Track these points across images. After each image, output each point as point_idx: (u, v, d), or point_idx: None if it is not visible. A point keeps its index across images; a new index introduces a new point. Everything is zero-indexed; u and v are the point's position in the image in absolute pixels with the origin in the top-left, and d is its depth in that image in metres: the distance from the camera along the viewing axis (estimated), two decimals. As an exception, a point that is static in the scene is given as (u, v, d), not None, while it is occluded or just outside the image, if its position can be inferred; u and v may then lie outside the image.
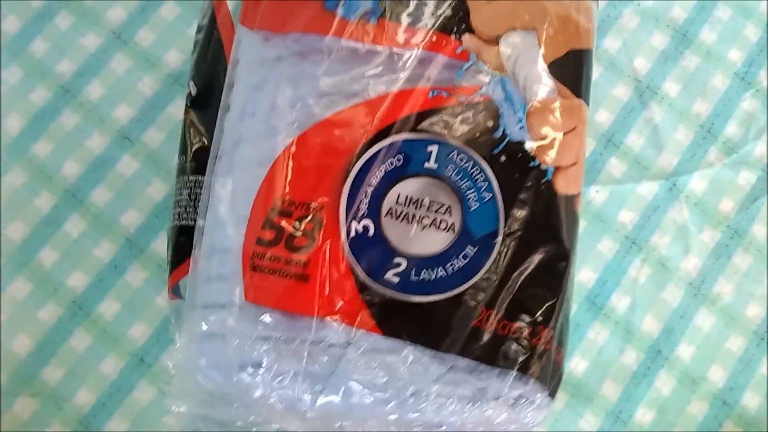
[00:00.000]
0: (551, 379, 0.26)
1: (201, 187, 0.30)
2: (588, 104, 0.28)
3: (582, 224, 0.38)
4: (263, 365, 0.23)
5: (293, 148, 0.25)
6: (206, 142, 0.31)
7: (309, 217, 0.24)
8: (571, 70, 0.26)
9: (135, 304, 0.35)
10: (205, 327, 0.25)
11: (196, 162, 0.32)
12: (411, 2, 0.25)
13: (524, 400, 0.25)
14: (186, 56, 0.38)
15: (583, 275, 0.38)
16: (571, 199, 0.26)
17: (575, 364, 0.36)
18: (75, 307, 0.35)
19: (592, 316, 0.37)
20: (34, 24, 0.38)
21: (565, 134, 0.26)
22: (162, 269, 0.35)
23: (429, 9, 0.25)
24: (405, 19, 0.25)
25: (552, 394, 0.26)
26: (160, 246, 0.36)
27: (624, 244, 0.38)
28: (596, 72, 0.39)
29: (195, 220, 0.29)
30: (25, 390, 0.34)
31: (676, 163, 0.39)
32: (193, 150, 0.32)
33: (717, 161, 0.39)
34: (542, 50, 0.26)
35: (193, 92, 0.33)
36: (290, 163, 0.24)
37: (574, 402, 0.36)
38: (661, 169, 0.39)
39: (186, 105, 0.33)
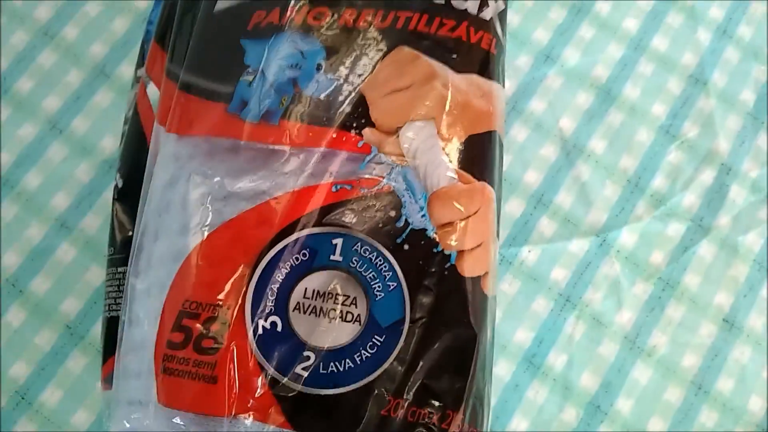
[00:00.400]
0: (466, 460, 0.26)
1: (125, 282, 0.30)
2: (493, 183, 0.28)
3: (516, 284, 0.39)
4: (179, 464, 0.24)
5: (202, 249, 0.25)
6: (132, 233, 0.32)
7: (215, 318, 0.25)
8: (472, 155, 0.27)
9: (76, 390, 0.36)
10: (127, 425, 0.26)
11: (124, 253, 0.32)
12: (311, 102, 0.26)
13: (437, 484, 0.25)
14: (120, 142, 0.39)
15: (519, 335, 0.38)
16: (478, 280, 0.27)
17: (516, 424, 0.37)
18: (18, 396, 0.36)
19: (531, 375, 0.38)
20: (-30, 119, 0.39)
21: (467, 218, 0.27)
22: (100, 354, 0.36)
23: (329, 107, 0.26)
24: (305, 119, 0.26)
25: (470, 473, 0.27)
26: (99, 331, 0.36)
27: (558, 302, 0.39)
28: (523, 134, 0.41)
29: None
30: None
31: (606, 218, 0.40)
32: (119, 242, 0.33)
33: (646, 214, 0.41)
34: (441, 138, 0.27)
35: (120, 184, 0.33)
36: (198, 263, 0.25)
37: (516, 463, 0.36)
38: (591, 225, 0.40)
39: (113, 197, 0.34)
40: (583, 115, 0.42)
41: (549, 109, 0.42)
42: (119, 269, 0.32)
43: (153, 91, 0.34)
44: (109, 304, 0.32)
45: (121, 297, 0.31)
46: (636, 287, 0.39)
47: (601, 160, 0.41)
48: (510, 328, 0.38)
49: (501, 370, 0.38)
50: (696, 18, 0.43)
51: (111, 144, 0.40)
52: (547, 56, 0.43)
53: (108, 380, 0.31)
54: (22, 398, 0.36)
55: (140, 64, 0.35)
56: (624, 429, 0.37)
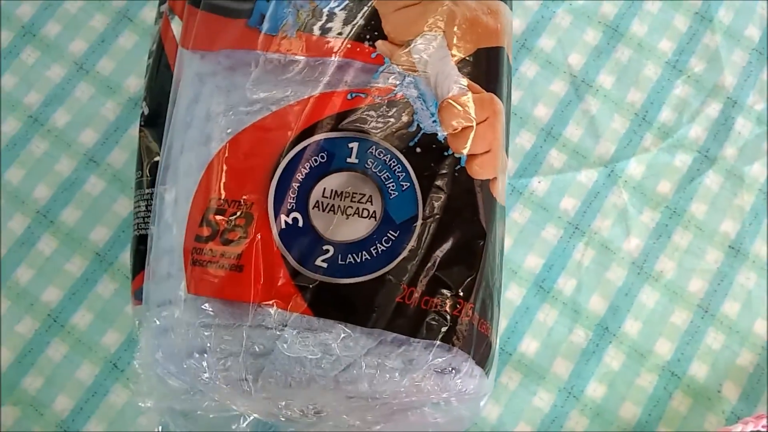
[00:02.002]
0: (477, 348, 0.28)
1: (154, 199, 0.32)
2: (502, 96, 0.30)
3: (526, 213, 0.40)
4: (207, 350, 0.26)
5: (225, 152, 0.27)
6: (158, 159, 0.34)
7: (240, 213, 0.26)
8: (481, 67, 0.29)
9: (106, 313, 0.38)
10: (157, 323, 0.28)
11: (151, 176, 0.34)
12: (326, 15, 0.27)
13: (450, 367, 0.27)
14: (143, 81, 0.41)
15: (530, 261, 0.40)
16: (487, 183, 0.28)
17: (526, 346, 0.38)
18: (50, 319, 0.38)
19: (541, 299, 0.39)
20: (2, 60, 0.41)
21: (477, 125, 0.28)
22: (129, 280, 0.38)
23: (344, 20, 0.28)
24: (321, 31, 0.27)
25: (481, 363, 0.28)
26: (128, 258, 0.38)
27: (567, 230, 0.40)
28: (533, 70, 0.42)
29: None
30: (8, 399, 0.36)
31: (614, 150, 0.41)
32: (147, 165, 0.34)
33: (653, 146, 0.42)
34: (452, 50, 0.28)
35: (146, 112, 0.35)
36: (223, 166, 0.27)
37: (527, 381, 0.38)
38: (599, 156, 0.41)
39: (140, 124, 0.35)
40: (592, 52, 0.43)
41: (558, 46, 0.43)
42: (146, 190, 0.34)
43: (175, 26, 0.36)
44: (138, 224, 0.34)
45: (149, 215, 0.33)
46: (643, 215, 0.41)
47: (610, 94, 0.42)
48: (520, 254, 0.40)
49: (512, 294, 0.39)
50: (702, -44, 0.44)
51: (135, 83, 0.41)
52: (555, -5, 0.44)
53: (138, 295, 0.33)
54: (54, 321, 0.38)
55: (163, 0, 0.37)
56: (632, 349, 0.39)
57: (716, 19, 0.44)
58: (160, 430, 0.31)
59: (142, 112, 0.35)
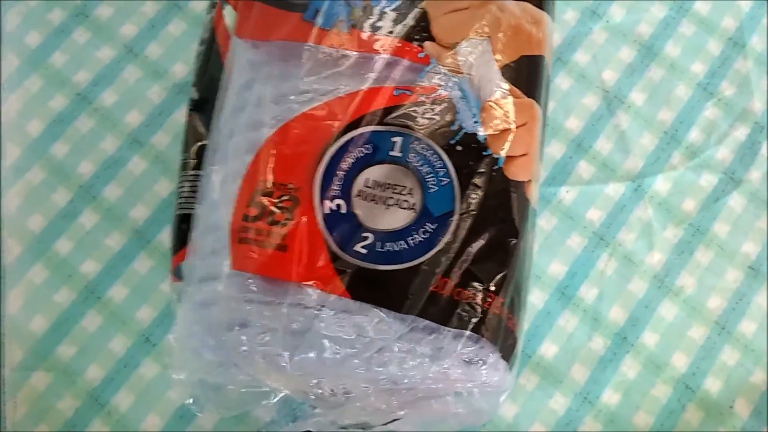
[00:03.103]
0: (503, 342, 0.29)
1: (200, 180, 0.34)
2: (540, 104, 0.31)
3: (552, 221, 0.41)
4: (248, 324, 0.27)
5: (276, 138, 0.28)
6: (205, 141, 0.35)
7: (288, 197, 0.28)
8: (523, 74, 0.30)
9: (142, 289, 0.39)
10: (199, 296, 0.29)
11: (197, 158, 0.35)
12: (378, 14, 0.29)
13: (477, 358, 0.28)
14: (190, 68, 0.42)
15: (553, 268, 0.41)
16: (522, 185, 0.29)
17: (546, 349, 0.39)
18: (87, 291, 0.39)
19: (562, 305, 0.40)
20: (54, 38, 0.42)
21: (516, 128, 0.29)
22: (166, 258, 0.39)
23: (394, 19, 0.29)
24: (373, 29, 0.29)
25: (506, 357, 0.29)
26: (165, 238, 0.40)
27: (592, 240, 0.41)
28: (567, 83, 0.43)
29: (194, 209, 0.33)
30: (41, 365, 0.38)
31: (642, 166, 0.42)
32: (194, 147, 0.36)
33: (680, 164, 0.43)
34: (496, 56, 0.29)
35: (195, 97, 0.36)
36: (273, 151, 0.28)
37: (545, 383, 0.39)
38: (627, 171, 0.42)
39: (189, 108, 0.37)
40: (625, 69, 0.44)
41: (593, 61, 0.44)
42: (191, 172, 0.35)
43: (227, 15, 0.37)
44: (181, 203, 0.35)
45: (193, 196, 0.34)
46: (667, 231, 0.41)
47: (641, 111, 0.43)
48: (545, 260, 0.41)
49: (535, 298, 0.40)
50: (740, -17, 0.45)
51: (181, 69, 0.43)
52: (593, 12, 0.45)
53: (177, 272, 0.35)
54: (91, 293, 0.39)
55: (217, -10, 0.38)
56: (648, 360, 0.39)
57: (749, 45, 0.44)
58: (190, 402, 0.32)
59: (191, 97, 0.37)
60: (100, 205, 0.40)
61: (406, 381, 0.27)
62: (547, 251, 0.41)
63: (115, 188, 0.41)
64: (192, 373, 0.30)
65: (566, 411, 0.38)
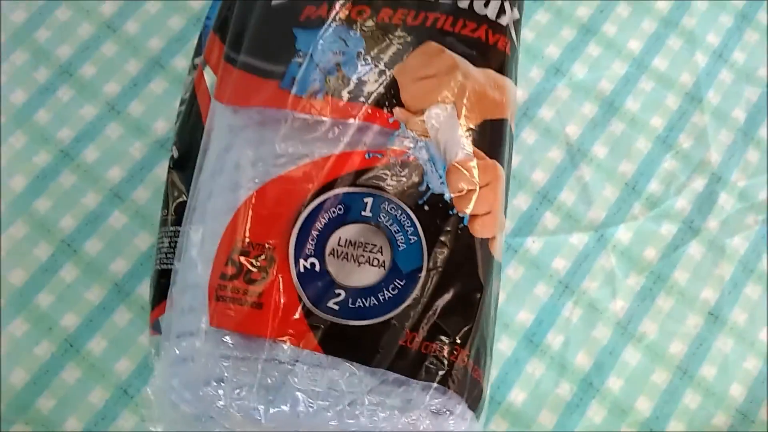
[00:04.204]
0: (470, 393, 0.30)
1: (179, 237, 0.35)
2: (503, 164, 0.33)
3: (519, 270, 0.43)
4: (224, 380, 0.28)
5: (253, 200, 0.30)
6: (185, 198, 0.36)
7: (264, 256, 0.29)
8: (486, 137, 0.32)
9: (120, 341, 0.40)
10: (177, 352, 0.30)
11: (176, 215, 0.37)
12: (351, 82, 0.31)
13: (445, 409, 0.29)
14: (171, 125, 0.44)
15: (521, 316, 0.42)
16: (486, 242, 0.31)
17: (515, 396, 0.41)
18: (67, 344, 0.40)
19: (530, 352, 0.42)
20: (39, 96, 0.44)
21: (480, 188, 0.31)
22: (145, 311, 0.40)
23: (366, 87, 0.31)
24: (346, 96, 0.31)
25: (472, 407, 0.30)
26: (144, 291, 0.41)
27: (558, 289, 0.43)
28: (532, 137, 0.45)
29: (173, 265, 0.34)
30: (20, 418, 0.38)
31: (604, 216, 0.44)
32: (173, 204, 0.37)
33: (641, 215, 0.45)
34: (461, 120, 0.31)
35: (175, 155, 0.38)
36: (250, 212, 0.30)
37: (514, 429, 0.40)
38: (590, 221, 0.44)
39: (169, 166, 0.38)
40: (588, 123, 0.46)
41: (557, 116, 0.46)
42: (171, 228, 0.36)
43: (207, 77, 0.39)
44: (160, 258, 0.37)
45: (172, 251, 0.36)
46: (630, 279, 0.43)
47: (603, 164, 0.45)
48: (513, 309, 0.42)
49: (503, 345, 0.42)
50: (694, 42, 0.48)
51: (163, 126, 0.44)
52: (557, 70, 0.47)
53: (156, 326, 0.36)
54: (71, 345, 0.40)
55: (198, 53, 0.40)
56: (614, 405, 0.41)
57: (705, 99, 0.47)
58: (167, 454, 0.32)
59: (172, 156, 0.38)
60: (80, 259, 0.41)
61: (376, 432, 0.28)
62: (515, 300, 0.42)
63: (96, 242, 0.42)
64: (169, 425, 0.31)
65: (535, 456, 0.39)
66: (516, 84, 0.35)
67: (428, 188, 0.30)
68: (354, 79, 0.31)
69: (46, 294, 0.40)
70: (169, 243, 0.36)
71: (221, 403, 0.28)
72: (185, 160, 0.37)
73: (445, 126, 0.31)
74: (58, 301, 0.40)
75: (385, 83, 0.31)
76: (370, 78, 0.31)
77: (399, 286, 0.29)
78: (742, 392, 0.42)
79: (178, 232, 0.36)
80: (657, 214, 0.44)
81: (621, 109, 0.46)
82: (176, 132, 0.39)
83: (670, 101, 0.47)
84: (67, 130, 0.44)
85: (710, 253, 0.44)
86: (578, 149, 0.45)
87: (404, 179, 0.30)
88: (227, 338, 0.28)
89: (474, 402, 0.30)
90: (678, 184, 0.45)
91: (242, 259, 0.29)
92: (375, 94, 0.31)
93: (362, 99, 0.31)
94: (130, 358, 0.40)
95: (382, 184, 0.30)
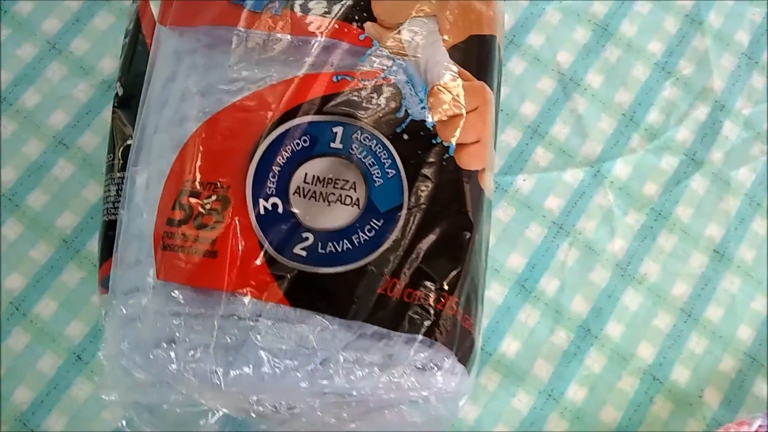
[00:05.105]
0: (460, 345, 0.27)
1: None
2: (492, 87, 0.29)
3: (510, 212, 0.39)
4: (176, 340, 0.24)
5: (202, 133, 0.26)
6: (131, 141, 0.32)
7: (216, 197, 0.25)
8: (473, 55, 0.28)
9: (71, 303, 0.36)
10: (124, 311, 0.26)
11: (123, 159, 0.32)
12: (314, -8, 0.26)
13: (432, 364, 0.26)
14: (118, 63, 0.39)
15: (512, 260, 0.39)
16: (475, 174, 0.27)
17: (507, 346, 0.38)
18: (12, 308, 0.36)
19: (522, 299, 0.38)
20: (-30, 36, 0.39)
21: (467, 113, 0.27)
22: (97, 269, 0.36)
23: (332, -1, 0.26)
24: (308, 9, 0.26)
25: (463, 361, 0.27)
26: (96, 246, 0.37)
27: (551, 230, 0.39)
28: (521, 67, 0.41)
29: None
30: (-38, 391, 0.34)
31: (600, 150, 0.41)
32: (120, 147, 0.33)
33: (640, 147, 0.41)
34: (443, 36, 0.27)
35: (120, 93, 0.34)
36: (199, 147, 0.26)
37: (507, 382, 0.37)
38: (585, 156, 0.41)
39: (114, 105, 0.34)
40: (581, 50, 0.42)
41: (547, 43, 0.42)
42: (118, 174, 0.32)
43: (153, 4, 0.34)
44: (107, 209, 0.33)
45: (120, 200, 0.31)
46: (629, 217, 0.40)
47: (597, 94, 0.42)
48: (503, 253, 0.39)
49: (493, 293, 0.38)
50: (694, -42, 0.44)
51: (109, 65, 0.40)
52: (545, -9, 0.43)
53: (104, 283, 0.32)
54: (17, 309, 0.36)
55: (141, -23, 0.35)
56: (614, 352, 0.38)
57: (707, 22, 0.43)
58: (123, 425, 0.29)
59: (116, 93, 0.34)
60: (23, 214, 0.37)
61: (354, 393, 0.25)
62: (505, 243, 0.39)
63: (40, 195, 0.38)
64: (124, 393, 0.28)
65: (530, 410, 0.36)
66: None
67: (407, 114, 0.26)
68: (317, -12, 0.27)
69: (-14, 254, 0.36)
70: (117, 191, 0.32)
71: (174, 366, 0.24)
72: (131, 97, 0.33)
73: (425, 43, 0.27)
74: (1, 262, 0.36)
75: (354, -6, 0.27)
76: (337, -12, 0.27)
77: (376, 227, 0.25)
78: (750, 334, 0.39)
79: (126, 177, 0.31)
80: (657, 146, 0.41)
81: (616, 34, 0.43)
82: (120, 67, 0.35)
83: (669, 24, 0.43)
84: (4, 73, 0.40)
85: (714, 187, 0.41)
86: (571, 78, 0.42)
87: (379, 105, 0.26)
88: (177, 293, 0.24)
89: (465, 355, 0.27)
90: (679, 113, 0.42)
91: (191, 201, 0.25)
92: (343, 8, 0.26)
93: (327, 12, 0.26)
94: (82, 321, 0.36)
95: (353, 110, 0.26)
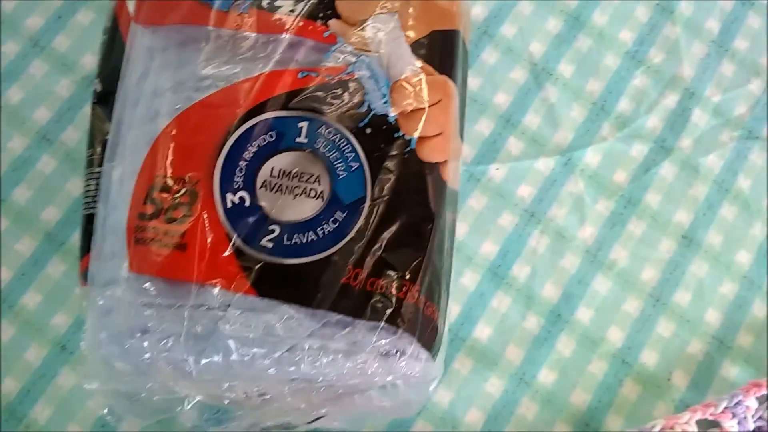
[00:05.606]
0: (422, 331, 0.28)
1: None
2: (456, 81, 0.30)
3: (482, 200, 0.40)
4: (149, 330, 0.25)
5: (172, 129, 0.27)
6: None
7: (185, 191, 0.26)
8: (436, 50, 0.29)
9: (56, 295, 0.37)
10: (101, 302, 0.27)
11: (103, 154, 0.33)
12: (278, -9, 0.27)
13: (395, 350, 0.27)
14: (98, 58, 0.40)
15: (485, 248, 0.40)
16: (437, 166, 0.28)
17: (480, 331, 0.39)
18: (-2, 300, 0.37)
19: (495, 285, 0.39)
20: (-48, 34, 0.40)
21: (429, 107, 0.28)
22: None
23: (296, -2, 0.27)
24: (274, 7, 0.27)
25: (427, 346, 0.28)
26: (78, 240, 0.38)
27: (523, 217, 0.40)
28: (493, 57, 0.42)
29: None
30: (-50, 381, 0.36)
31: (571, 138, 0.42)
32: (99, 143, 0.34)
33: (610, 135, 0.42)
34: (406, 32, 0.28)
35: (99, 89, 0.35)
36: (169, 143, 0.27)
37: (480, 366, 0.38)
38: (557, 145, 0.41)
39: (92, 101, 0.35)
40: (552, 40, 0.43)
41: (519, 33, 0.43)
42: (97, 168, 0.33)
43: (131, 3, 0.35)
44: (88, 203, 0.33)
45: (99, 194, 0.32)
46: (599, 204, 0.41)
47: (569, 83, 0.42)
48: (476, 241, 0.40)
49: (467, 280, 0.39)
50: (664, -52, 0.44)
51: (91, 61, 0.41)
52: (518, -17, 0.44)
53: (85, 275, 0.33)
54: (3, 301, 0.37)
55: (118, -25, 0.36)
56: (583, 336, 0.39)
57: (677, 10, 0.44)
58: (105, 412, 0.30)
59: (95, 89, 0.35)
60: (9, 209, 0.38)
61: (321, 379, 0.26)
62: (478, 231, 0.40)
63: (24, 190, 0.38)
64: (105, 382, 0.29)
65: (502, 393, 0.37)
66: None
67: (370, 109, 0.27)
68: (281, -12, 0.27)
69: (-28, 248, 0.37)
70: (96, 185, 0.33)
71: (148, 355, 0.25)
72: (110, 93, 0.34)
73: (388, 38, 0.28)
74: (-14, 255, 0.37)
75: (317, -8, 0.27)
76: (301, -13, 0.27)
77: (340, 219, 0.26)
78: (718, 318, 0.40)
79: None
80: (627, 134, 0.42)
81: (587, 24, 0.43)
82: (99, 64, 0.35)
83: (640, 13, 0.44)
84: (-14, 70, 0.40)
85: (683, 174, 0.41)
86: (543, 68, 0.42)
87: (343, 100, 0.27)
88: (149, 285, 0.25)
89: (428, 341, 0.28)
90: (649, 101, 0.42)
91: (162, 195, 0.26)
92: (307, 6, 0.27)
93: (292, 10, 0.27)
94: (66, 312, 0.37)
95: (318, 105, 0.27)
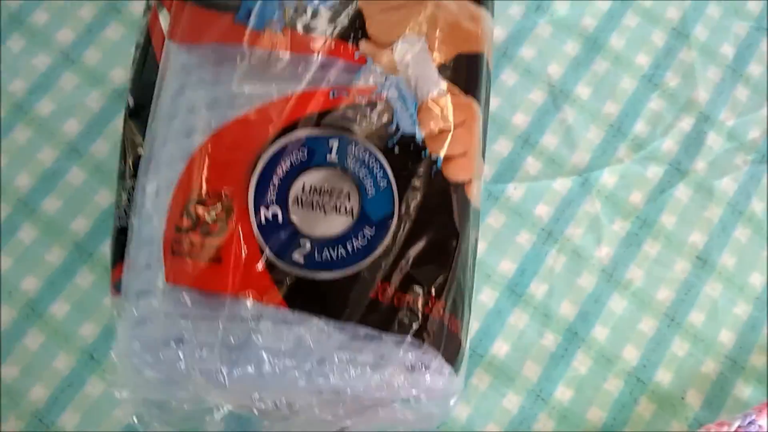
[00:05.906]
0: (447, 346, 0.28)
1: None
2: (480, 102, 0.31)
3: (501, 219, 0.41)
4: (184, 340, 0.26)
5: (209, 145, 0.27)
6: (141, 150, 0.34)
7: (221, 206, 0.27)
8: (461, 72, 0.30)
9: (84, 304, 0.38)
10: (136, 312, 0.28)
11: (134, 168, 0.34)
12: (312, 13, 0.28)
13: (420, 364, 0.27)
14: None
15: (503, 265, 0.40)
16: (462, 185, 0.29)
17: (498, 348, 0.39)
18: (28, 309, 0.38)
19: (513, 302, 0.40)
20: (-13, 47, 0.41)
21: (454, 128, 0.29)
22: (108, 272, 0.38)
23: (329, 19, 0.28)
24: (307, 29, 0.28)
25: (450, 361, 0.29)
26: (107, 250, 0.38)
27: (540, 236, 0.41)
28: (512, 78, 0.43)
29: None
30: (-20, 387, 0.36)
31: (588, 159, 0.42)
32: (131, 156, 0.35)
33: (626, 157, 0.43)
34: (433, 54, 0.29)
35: (131, 104, 0.35)
36: (205, 159, 0.27)
37: (497, 383, 0.39)
38: (574, 165, 0.42)
39: (125, 116, 0.36)
40: (570, 63, 0.44)
41: (538, 56, 0.44)
42: (129, 182, 0.34)
43: (163, 19, 0.36)
44: (119, 215, 0.34)
45: (131, 207, 0.33)
46: (615, 224, 0.42)
47: (586, 105, 0.43)
48: (494, 258, 0.40)
49: (485, 297, 0.40)
50: (681, -25, 0.45)
51: (121, 74, 0.42)
52: (538, 6, 0.45)
53: (117, 286, 0.33)
54: (32, 310, 0.38)
55: (151, -7, 0.37)
56: (599, 354, 0.39)
57: (693, 35, 0.45)
58: (135, 421, 0.31)
59: (127, 104, 0.35)
60: (39, 219, 0.39)
61: (348, 391, 0.27)
62: (497, 249, 0.41)
63: (55, 201, 0.39)
64: (134, 390, 0.30)
65: (519, 409, 0.38)
66: (492, 16, 0.32)
67: (398, 129, 0.28)
68: (315, 9, 0.28)
69: (4, 256, 0.38)
70: (128, 198, 0.34)
71: (182, 365, 0.26)
72: (142, 108, 0.35)
73: (415, 60, 0.28)
74: (16, 264, 0.38)
75: (349, 14, 0.28)
76: (334, 8, 0.29)
77: (369, 235, 0.27)
78: (731, 338, 0.40)
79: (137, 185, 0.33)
80: (643, 156, 0.43)
81: (605, 47, 0.44)
82: (131, 79, 0.36)
83: (656, 37, 0.45)
84: (19, 82, 0.41)
85: (698, 196, 0.42)
86: (561, 90, 0.43)
87: (372, 119, 0.28)
88: (185, 296, 0.26)
89: (452, 355, 0.29)
90: (665, 124, 0.43)
91: (198, 209, 0.27)
92: (339, 27, 0.28)
93: (325, 32, 0.28)
94: (95, 321, 0.38)
95: (348, 125, 0.28)
